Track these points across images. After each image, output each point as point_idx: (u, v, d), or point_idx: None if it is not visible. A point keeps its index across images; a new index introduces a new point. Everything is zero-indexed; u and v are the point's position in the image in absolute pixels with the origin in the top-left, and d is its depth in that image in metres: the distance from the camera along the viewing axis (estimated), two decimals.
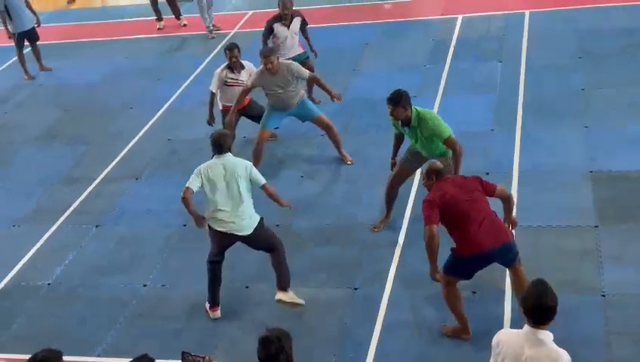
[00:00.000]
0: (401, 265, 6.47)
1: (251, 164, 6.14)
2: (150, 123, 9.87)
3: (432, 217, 5.31)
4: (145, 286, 6.73)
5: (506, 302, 5.85)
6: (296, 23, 9.14)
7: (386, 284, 6.23)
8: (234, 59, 8.17)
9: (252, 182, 6.00)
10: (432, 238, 5.30)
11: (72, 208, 8.13)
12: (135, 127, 9.76)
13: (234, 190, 5.91)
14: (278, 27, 9.02)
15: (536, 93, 9.05)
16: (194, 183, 6.01)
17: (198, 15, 13.41)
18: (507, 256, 5.39)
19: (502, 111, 8.76)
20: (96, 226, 7.76)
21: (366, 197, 7.52)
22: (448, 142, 6.42)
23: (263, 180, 6.08)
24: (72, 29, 14.63)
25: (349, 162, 8.25)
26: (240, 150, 8.33)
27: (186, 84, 10.88)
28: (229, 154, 6.07)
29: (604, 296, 5.79)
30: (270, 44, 9.02)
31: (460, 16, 11.91)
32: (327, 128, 8.22)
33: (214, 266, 6.14)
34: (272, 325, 3.93)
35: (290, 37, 9.06)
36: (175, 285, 6.70)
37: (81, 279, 6.96)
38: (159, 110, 10.18)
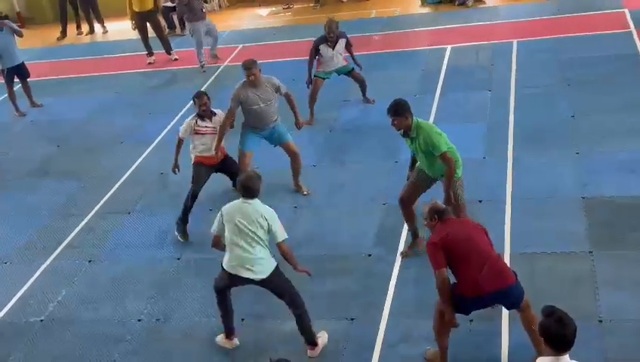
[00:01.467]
0: (397, 295, 6.44)
1: (276, 216, 5.90)
2: (142, 157, 9.87)
3: (439, 261, 5.25)
4: (139, 321, 6.67)
5: (502, 328, 5.82)
6: (341, 43, 9.92)
7: (382, 314, 6.20)
8: (203, 108, 7.75)
9: (270, 234, 5.81)
10: (444, 282, 5.22)
11: (64, 243, 8.08)
12: (127, 162, 9.76)
13: (250, 235, 5.73)
14: (323, 48, 9.81)
15: (526, 121, 9.12)
16: (215, 226, 5.94)
17: (188, 49, 13.55)
18: (509, 299, 5.34)
19: (493, 140, 8.82)
20: (89, 261, 7.71)
21: (360, 227, 7.51)
22: (443, 157, 6.42)
23: (281, 237, 5.83)
24: (62, 65, 14.69)
25: (304, 193, 8.28)
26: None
27: (177, 117, 10.90)
28: (256, 200, 5.91)
29: (601, 321, 5.78)
30: (315, 62, 9.97)
31: (449, 47, 12.04)
32: (293, 155, 8.24)
33: (220, 296, 6.04)
34: (271, 356, 3.90)
35: (335, 56, 9.84)
36: (170, 319, 6.64)
37: (74, 315, 6.89)
38: (151, 144, 10.18)
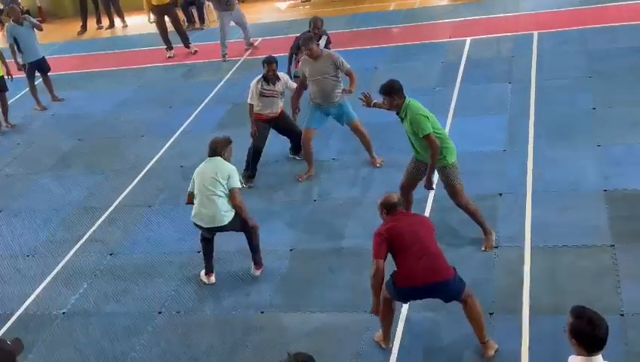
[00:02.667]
0: None
1: (235, 170, 6.76)
2: (162, 150, 9.93)
3: (378, 251, 5.44)
4: (160, 313, 6.72)
5: (523, 322, 5.80)
6: (323, 40, 9.79)
7: (402, 306, 6.18)
8: (271, 73, 8.51)
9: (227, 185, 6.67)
10: (377, 273, 5.41)
11: (86, 236, 8.16)
12: (147, 155, 9.82)
13: (210, 189, 6.65)
14: None
15: (547, 113, 9.05)
16: (190, 186, 6.92)
17: (207, 43, 13.62)
18: (443, 294, 5.50)
19: (513, 132, 8.76)
20: (110, 254, 7.78)
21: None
22: (427, 139, 6.50)
23: (235, 185, 6.69)
24: (82, 59, 14.80)
25: (377, 165, 8.54)
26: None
27: (198, 110, 10.95)
28: (218, 158, 6.79)
29: (622, 315, 5.73)
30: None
31: (469, 39, 11.96)
32: (359, 134, 8.60)
33: (203, 243, 7.02)
34: (288, 350, 3.91)
35: None
36: (190, 312, 6.68)
37: (96, 307, 6.96)
38: (171, 137, 10.24)
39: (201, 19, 15.63)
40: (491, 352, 5.54)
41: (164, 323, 6.59)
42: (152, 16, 13.83)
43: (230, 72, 12.44)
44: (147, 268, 7.44)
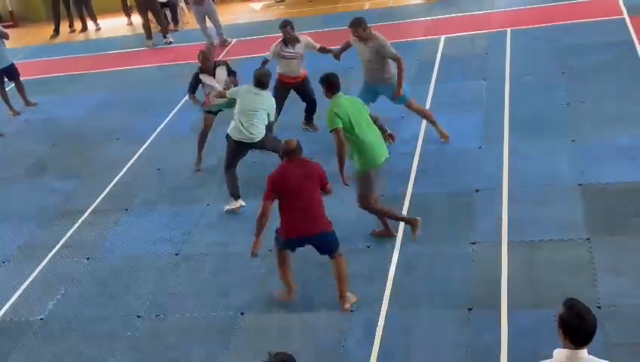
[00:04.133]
0: (396, 285, 6.45)
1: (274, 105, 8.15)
2: (138, 153, 9.86)
3: (268, 194, 6.02)
4: (139, 317, 6.67)
5: (502, 317, 5.84)
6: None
7: (382, 304, 6.21)
8: (287, 35, 8.98)
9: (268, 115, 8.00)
10: (263, 215, 5.99)
11: (62, 241, 8.08)
12: (123, 158, 9.75)
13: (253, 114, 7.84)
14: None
15: (522, 109, 9.13)
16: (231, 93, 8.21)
17: (181, 44, 13.62)
18: (321, 245, 6.13)
19: (489, 129, 8.82)
20: (87, 259, 7.71)
21: (357, 220, 7.51)
22: (333, 134, 6.80)
23: (272, 118, 8.19)
24: (55, 63, 14.65)
25: (443, 139, 8.71)
26: None
27: (173, 112, 10.89)
28: (266, 92, 7.99)
29: (599, 307, 5.79)
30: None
31: (443, 37, 12.04)
32: (419, 112, 8.84)
33: (230, 171, 7.96)
34: (269, 350, 3.90)
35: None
36: (169, 315, 6.64)
37: (74, 312, 6.89)
38: (147, 140, 10.17)
39: (175, 21, 15.58)
40: (348, 305, 6.20)
41: (143, 327, 6.54)
42: (130, 17, 14.51)
43: None
44: (125, 272, 7.38)
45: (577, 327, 3.68)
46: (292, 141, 6.14)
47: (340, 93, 6.96)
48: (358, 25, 8.31)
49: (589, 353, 3.71)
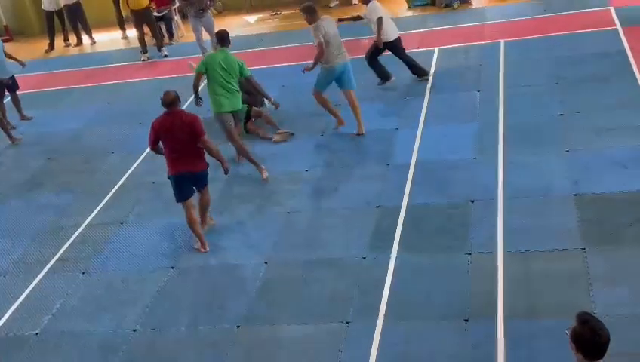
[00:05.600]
0: (392, 297, 6.44)
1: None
2: (133, 167, 9.86)
3: (150, 138, 7.38)
4: (134, 331, 6.65)
5: (498, 328, 5.84)
6: None
7: (378, 316, 6.20)
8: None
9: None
10: (154, 151, 7.49)
11: (57, 255, 8.06)
12: (118, 172, 9.74)
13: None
14: None
15: (516, 120, 9.16)
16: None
17: (176, 58, 13.63)
18: (195, 181, 7.52)
19: (483, 140, 8.85)
20: (83, 273, 7.69)
21: (353, 231, 7.52)
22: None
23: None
24: (51, 77, 14.66)
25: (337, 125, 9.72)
26: None
27: None
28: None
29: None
30: None
31: (437, 49, 12.09)
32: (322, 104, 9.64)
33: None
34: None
35: None
36: (165, 328, 6.63)
37: (69, 327, 6.87)
38: (142, 154, 10.15)
39: (170, 35, 15.62)
40: (206, 226, 7.66)
41: (139, 341, 6.52)
42: (125, 31, 14.60)
43: (200, 87, 12.39)
44: (121, 285, 7.37)
45: (592, 342, 3.67)
46: (169, 93, 7.32)
47: (224, 48, 8.92)
48: (303, 11, 9.42)
49: None
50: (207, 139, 7.36)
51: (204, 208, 7.78)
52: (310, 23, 9.31)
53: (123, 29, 16.61)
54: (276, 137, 9.84)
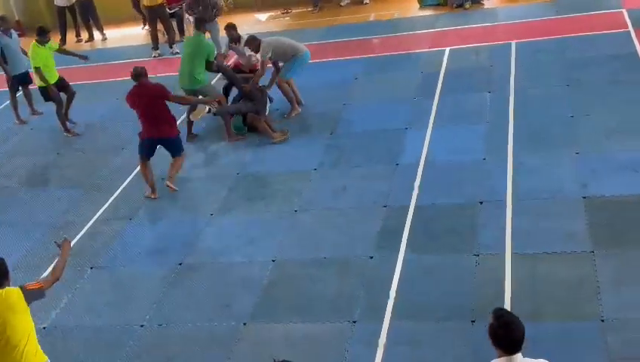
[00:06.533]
0: (399, 297, 6.44)
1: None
2: None
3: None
4: (142, 326, 6.68)
5: None
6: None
7: (384, 316, 6.20)
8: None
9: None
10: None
11: None
12: (128, 168, 9.76)
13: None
14: None
15: (526, 122, 9.13)
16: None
17: None
18: (166, 146, 8.72)
19: (493, 141, 8.82)
20: (91, 268, 7.72)
21: (360, 230, 7.52)
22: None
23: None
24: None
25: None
26: None
27: (178, 123, 10.89)
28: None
29: (603, 321, 5.78)
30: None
31: (448, 49, 12.05)
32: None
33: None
34: (275, 357, 3.92)
35: None
36: (172, 324, 6.65)
37: (77, 322, 6.90)
38: None
39: (181, 32, 15.63)
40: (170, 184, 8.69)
41: (146, 337, 6.54)
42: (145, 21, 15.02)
43: (213, 80, 12.42)
44: (128, 281, 7.40)
45: (504, 336, 3.75)
46: (137, 68, 8.59)
47: (199, 32, 10.15)
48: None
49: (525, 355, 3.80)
50: (174, 96, 8.84)
51: (174, 168, 8.76)
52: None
53: (145, 20, 16.61)
54: (275, 138, 9.78)
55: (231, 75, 10.62)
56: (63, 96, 11.39)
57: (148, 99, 8.47)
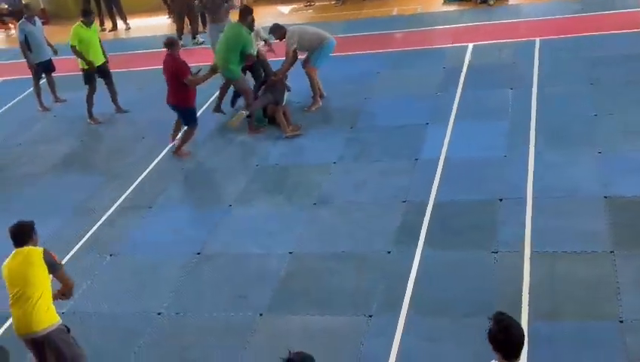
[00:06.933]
0: (416, 293, 6.42)
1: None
2: (163, 152, 9.94)
3: None
4: (159, 314, 6.72)
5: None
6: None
7: (400, 312, 6.19)
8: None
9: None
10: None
11: (86, 237, 8.16)
12: (149, 157, 9.83)
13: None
14: None
15: (548, 119, 9.06)
16: None
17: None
18: (180, 115, 9.76)
19: (514, 138, 8.76)
20: (110, 255, 7.78)
21: (379, 224, 7.51)
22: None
23: None
24: None
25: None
26: None
27: (199, 113, 10.94)
28: None
29: (622, 321, 5.73)
30: None
31: (471, 45, 11.98)
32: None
33: None
34: (291, 348, 3.92)
35: None
36: (189, 313, 6.68)
37: (95, 308, 6.96)
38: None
39: (204, 22, 15.66)
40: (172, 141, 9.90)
41: (163, 325, 6.59)
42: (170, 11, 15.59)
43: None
44: (147, 269, 7.44)
45: (503, 341, 3.71)
46: (169, 37, 9.63)
47: (241, 23, 9.97)
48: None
49: None
50: (190, 79, 9.24)
51: (182, 138, 9.70)
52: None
53: (170, 11, 16.67)
54: (288, 133, 9.78)
55: (265, 63, 10.57)
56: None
57: (170, 72, 9.26)
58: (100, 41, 11.53)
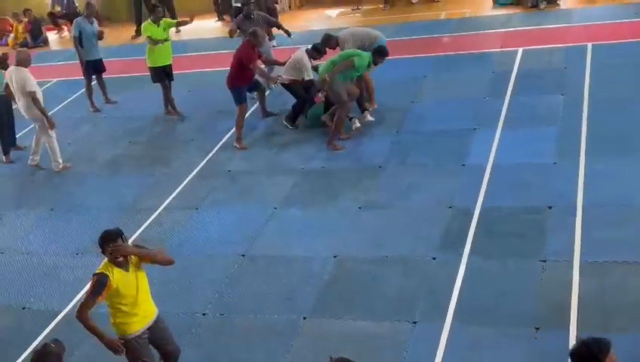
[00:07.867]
0: (461, 300, 6.34)
1: None
2: (211, 154, 10.03)
3: None
4: (204, 315, 6.78)
5: (570, 338, 5.68)
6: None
7: (445, 318, 6.12)
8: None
9: None
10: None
11: (133, 237, 8.26)
12: (196, 159, 9.93)
13: None
14: None
15: (600, 126, 8.87)
16: None
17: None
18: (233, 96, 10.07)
19: (564, 145, 8.60)
20: None
21: (424, 230, 7.45)
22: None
23: None
24: (136, 62, 14.96)
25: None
26: None
27: (247, 115, 11.02)
28: None
29: None
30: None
31: (520, 49, 11.81)
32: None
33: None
34: (332, 354, 3.91)
35: None
36: (233, 314, 6.72)
37: None
38: (220, 142, 10.33)
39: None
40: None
41: (207, 325, 6.64)
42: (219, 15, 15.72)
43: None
44: (192, 269, 7.51)
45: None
46: (254, 28, 9.88)
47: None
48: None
49: None
50: (254, 65, 9.73)
51: (238, 126, 10.05)
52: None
53: (219, 15, 16.84)
54: (343, 136, 9.67)
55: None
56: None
57: (236, 56, 9.85)
58: (168, 41, 11.57)
